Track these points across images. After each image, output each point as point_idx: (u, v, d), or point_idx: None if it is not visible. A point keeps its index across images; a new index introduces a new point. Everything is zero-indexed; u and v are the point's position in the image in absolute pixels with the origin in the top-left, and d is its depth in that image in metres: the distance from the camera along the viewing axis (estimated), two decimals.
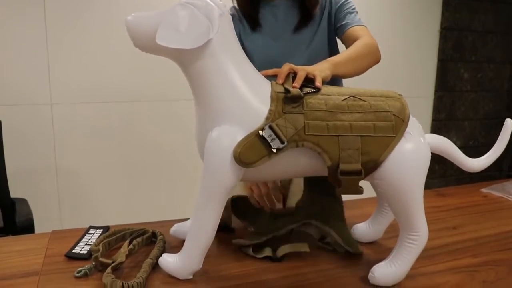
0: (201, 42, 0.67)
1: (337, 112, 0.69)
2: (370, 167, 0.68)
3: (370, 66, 0.96)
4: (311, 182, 0.89)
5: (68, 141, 2.00)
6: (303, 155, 0.69)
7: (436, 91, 2.77)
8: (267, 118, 0.67)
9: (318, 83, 0.72)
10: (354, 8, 1.09)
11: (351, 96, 0.71)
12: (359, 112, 0.69)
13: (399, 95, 0.73)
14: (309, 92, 0.71)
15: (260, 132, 0.66)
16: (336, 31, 1.10)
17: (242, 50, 0.73)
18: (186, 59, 0.70)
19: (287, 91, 0.69)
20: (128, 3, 1.97)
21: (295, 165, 0.71)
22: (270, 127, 0.66)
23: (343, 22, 1.06)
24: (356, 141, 0.68)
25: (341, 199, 0.89)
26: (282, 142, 0.66)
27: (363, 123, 0.68)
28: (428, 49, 2.71)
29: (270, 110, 0.68)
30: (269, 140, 0.66)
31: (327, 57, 1.06)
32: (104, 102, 2.03)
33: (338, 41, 1.12)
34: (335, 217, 0.85)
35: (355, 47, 0.95)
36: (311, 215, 0.85)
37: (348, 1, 1.09)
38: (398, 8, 2.57)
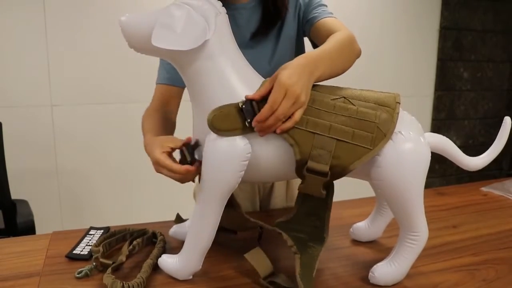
0: (198, 43, 0.65)
1: (321, 111, 0.68)
2: (337, 172, 0.67)
3: (352, 62, 0.84)
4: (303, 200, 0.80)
5: (68, 142, 2.00)
6: (276, 143, 0.68)
7: (435, 90, 2.77)
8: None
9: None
10: (322, 2, 0.96)
11: (343, 97, 0.70)
12: (344, 116, 0.68)
13: (397, 103, 0.70)
14: None
15: (240, 104, 0.66)
16: (303, 30, 0.98)
17: (239, 50, 0.72)
18: (183, 60, 0.69)
19: None
20: (128, 4, 1.97)
21: (271, 157, 0.70)
22: (251, 103, 0.66)
23: (310, 16, 0.94)
24: (330, 143, 0.66)
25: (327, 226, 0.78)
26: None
27: (343, 127, 0.67)
28: (427, 49, 2.71)
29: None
30: (246, 113, 0.66)
31: None
32: (104, 103, 2.03)
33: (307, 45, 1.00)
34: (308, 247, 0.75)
35: (333, 42, 0.80)
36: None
37: None
38: (398, 8, 2.57)
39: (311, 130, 0.67)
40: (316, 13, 0.94)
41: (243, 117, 0.66)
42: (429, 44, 2.71)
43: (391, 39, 2.59)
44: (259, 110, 0.65)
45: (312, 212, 0.78)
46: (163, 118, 0.93)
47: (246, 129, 0.67)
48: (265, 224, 0.79)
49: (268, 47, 0.97)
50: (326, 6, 0.97)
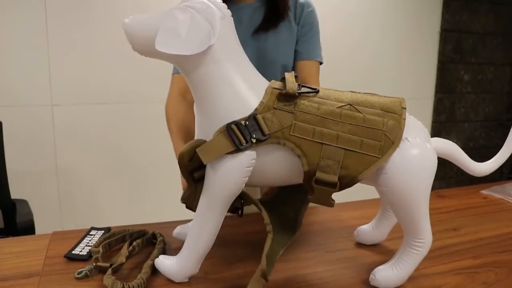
0: (202, 48, 0.64)
1: (327, 119, 0.66)
2: (346, 182, 0.66)
3: None
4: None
5: (68, 142, 2.00)
6: (282, 154, 0.68)
7: (436, 92, 2.77)
8: (255, 109, 0.66)
9: None
10: (319, 34, 1.06)
11: (349, 104, 0.68)
12: (351, 124, 0.66)
13: (403, 108, 0.69)
14: (305, 92, 0.69)
15: (243, 122, 0.66)
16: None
17: (244, 53, 0.72)
18: (187, 64, 0.67)
19: (284, 88, 0.68)
20: (129, 3, 1.97)
21: (278, 165, 0.70)
22: (255, 119, 0.66)
23: (300, 50, 1.04)
24: (339, 153, 0.65)
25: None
26: (264, 135, 0.66)
27: (351, 137, 0.66)
28: (428, 51, 2.72)
29: (261, 102, 0.67)
30: (250, 129, 0.65)
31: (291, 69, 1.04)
32: (104, 103, 2.03)
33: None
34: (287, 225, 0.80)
35: None
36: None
37: (315, 14, 1.05)
38: (399, 10, 2.57)
39: (318, 141, 0.66)
40: (306, 46, 1.03)
41: (248, 133, 0.65)
42: (430, 46, 2.71)
43: (391, 41, 2.59)
44: (266, 124, 0.65)
45: (290, 202, 0.80)
46: (185, 112, 1.01)
47: (252, 145, 0.66)
48: (249, 195, 0.76)
49: (270, 42, 1.01)
50: (319, 40, 1.06)
